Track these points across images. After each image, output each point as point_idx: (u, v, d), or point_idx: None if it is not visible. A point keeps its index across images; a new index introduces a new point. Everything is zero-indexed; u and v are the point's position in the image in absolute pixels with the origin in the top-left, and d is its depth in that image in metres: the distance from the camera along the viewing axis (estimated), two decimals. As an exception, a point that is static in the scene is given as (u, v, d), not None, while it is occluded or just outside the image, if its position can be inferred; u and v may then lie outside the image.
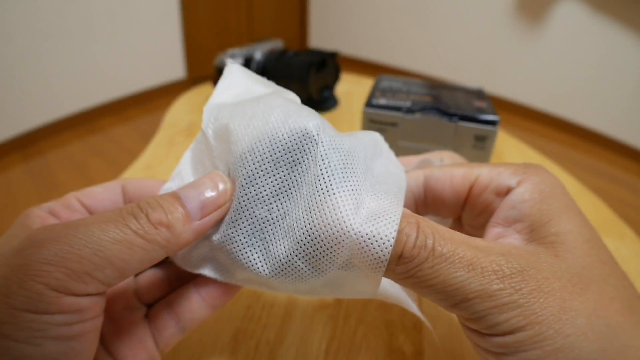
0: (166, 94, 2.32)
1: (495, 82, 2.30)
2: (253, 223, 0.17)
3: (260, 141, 0.17)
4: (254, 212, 0.17)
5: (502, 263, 0.15)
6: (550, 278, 0.14)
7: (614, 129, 1.93)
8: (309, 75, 0.60)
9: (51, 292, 0.13)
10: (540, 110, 2.18)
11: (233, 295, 0.21)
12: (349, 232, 0.15)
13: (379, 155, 0.20)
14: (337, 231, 0.15)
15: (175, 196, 0.17)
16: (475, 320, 0.15)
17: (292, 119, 0.17)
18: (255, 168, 0.17)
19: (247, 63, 0.65)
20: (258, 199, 0.17)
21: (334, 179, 0.16)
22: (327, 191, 0.16)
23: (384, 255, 0.15)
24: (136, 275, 0.21)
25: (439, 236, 0.15)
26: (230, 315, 0.28)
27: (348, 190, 0.16)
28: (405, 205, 0.20)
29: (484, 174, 0.18)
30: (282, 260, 0.17)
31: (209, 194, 0.17)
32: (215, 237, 0.18)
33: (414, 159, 0.23)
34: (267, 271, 0.18)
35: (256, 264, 0.18)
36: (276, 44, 0.70)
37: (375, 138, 0.21)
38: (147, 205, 0.16)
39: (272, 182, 0.17)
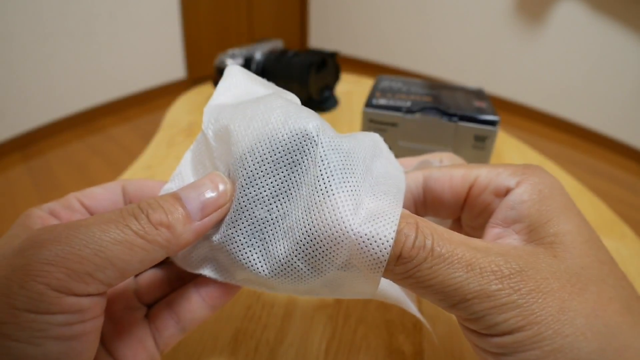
0: (166, 94, 2.32)
1: (495, 82, 2.30)
2: (253, 223, 0.18)
3: (260, 142, 0.17)
4: (253, 212, 0.17)
5: (501, 263, 0.15)
6: (549, 278, 0.14)
7: (613, 129, 1.93)
8: (309, 75, 0.60)
9: (52, 292, 0.13)
10: (540, 110, 2.18)
11: (233, 295, 0.21)
12: (348, 232, 0.15)
13: (379, 157, 0.20)
14: (336, 231, 0.16)
15: (175, 197, 0.17)
16: (474, 320, 0.15)
17: (292, 120, 0.17)
18: (255, 169, 0.17)
19: (247, 63, 0.65)
20: (258, 200, 0.17)
21: (334, 179, 0.16)
22: (327, 192, 0.16)
23: (382, 255, 0.15)
24: (136, 275, 0.21)
25: (438, 237, 0.15)
26: (230, 315, 0.28)
27: (347, 191, 0.16)
28: (405, 206, 0.20)
29: (482, 175, 0.18)
30: (282, 260, 0.17)
31: (210, 194, 0.17)
32: (215, 238, 0.18)
33: (413, 160, 0.23)
34: (266, 271, 0.18)
35: (256, 264, 0.18)
36: (276, 44, 0.70)
37: (375, 139, 0.21)
38: (148, 205, 0.16)
39: (272, 182, 0.17)
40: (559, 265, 0.15)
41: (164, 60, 2.33)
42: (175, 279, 0.21)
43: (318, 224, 0.16)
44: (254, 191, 0.17)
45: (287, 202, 0.17)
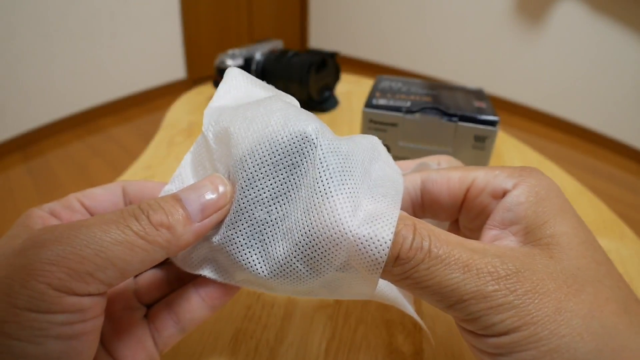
0: (166, 94, 2.32)
1: (495, 82, 2.30)
2: (252, 225, 0.18)
3: (260, 144, 0.17)
4: (253, 214, 0.18)
5: (498, 264, 0.15)
6: (545, 279, 0.15)
7: (613, 129, 1.93)
8: (309, 75, 0.60)
9: (53, 292, 0.13)
10: (540, 110, 2.18)
11: (232, 296, 0.21)
12: (346, 234, 0.16)
13: (377, 159, 0.20)
14: (335, 233, 0.16)
15: (176, 198, 0.17)
16: (471, 321, 0.15)
17: (292, 123, 0.17)
18: (255, 171, 0.17)
19: (247, 63, 0.65)
20: (257, 201, 0.17)
21: (332, 181, 0.17)
22: (326, 194, 0.16)
23: (381, 256, 0.15)
24: (136, 275, 0.21)
25: (435, 238, 0.15)
26: (230, 315, 0.28)
27: (346, 193, 0.16)
28: (403, 208, 0.20)
29: (480, 177, 0.19)
30: (281, 261, 0.17)
31: (210, 196, 0.17)
32: (215, 239, 0.18)
33: (411, 163, 0.23)
34: (265, 272, 0.18)
35: (255, 265, 0.18)
36: (276, 44, 0.70)
37: (373, 142, 0.21)
38: (148, 206, 0.16)
39: (271, 184, 0.17)
40: (556, 267, 0.15)
41: (164, 60, 2.33)
42: (175, 279, 0.21)
43: (317, 226, 0.16)
44: (254, 193, 0.17)
45: (287, 203, 0.17)
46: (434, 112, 0.38)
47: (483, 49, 2.30)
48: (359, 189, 0.17)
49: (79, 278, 0.14)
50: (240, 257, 0.18)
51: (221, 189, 0.18)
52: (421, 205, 0.20)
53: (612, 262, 0.16)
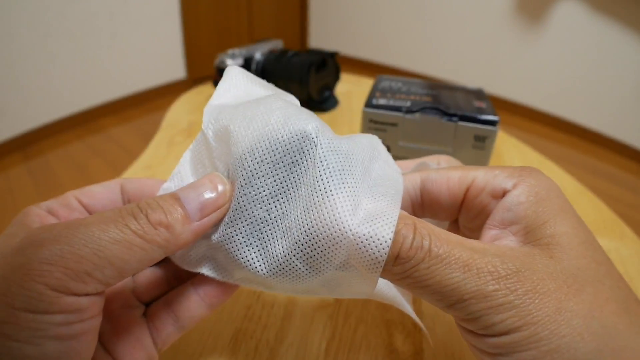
0: (166, 94, 2.32)
1: (495, 82, 2.30)
2: (252, 223, 0.18)
3: (260, 143, 0.17)
4: (252, 212, 0.18)
5: (498, 264, 0.15)
6: (545, 279, 0.15)
7: (613, 129, 1.93)
8: (309, 75, 0.60)
9: (51, 292, 0.13)
10: (540, 110, 2.18)
11: (231, 294, 0.21)
12: (346, 232, 0.16)
13: (377, 159, 0.20)
14: (335, 232, 0.16)
15: (174, 197, 0.17)
16: (471, 320, 0.15)
17: (292, 121, 0.17)
18: (255, 169, 0.17)
19: (247, 63, 0.65)
20: (257, 200, 0.17)
21: (332, 180, 0.17)
22: (326, 192, 0.16)
23: (381, 255, 0.15)
24: (134, 274, 0.21)
25: (435, 237, 0.15)
26: (230, 315, 0.28)
27: (346, 192, 0.16)
28: (402, 208, 0.20)
29: (480, 177, 0.19)
30: (280, 260, 0.17)
31: (209, 195, 0.17)
32: (214, 237, 0.18)
33: (410, 163, 0.23)
34: (265, 271, 0.18)
35: (254, 263, 0.18)
36: (276, 44, 0.70)
37: (373, 141, 0.21)
38: (147, 205, 0.16)
39: (271, 182, 0.17)
40: (556, 266, 0.15)
41: (164, 60, 2.33)
42: (173, 277, 0.21)
43: (317, 224, 0.16)
44: (254, 191, 0.17)
45: (286, 202, 0.17)
46: (434, 112, 0.38)
47: (483, 49, 2.30)
48: (359, 188, 0.17)
49: (76, 278, 0.14)
50: (239, 255, 0.18)
51: (220, 187, 0.18)
52: (421, 205, 0.20)
53: (612, 262, 0.16)
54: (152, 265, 0.21)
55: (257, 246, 0.18)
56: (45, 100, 1.84)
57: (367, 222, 0.16)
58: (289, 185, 0.17)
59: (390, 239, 0.15)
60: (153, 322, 0.20)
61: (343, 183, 0.17)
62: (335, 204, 0.16)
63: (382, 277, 0.16)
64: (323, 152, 0.17)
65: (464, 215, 0.20)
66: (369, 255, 0.16)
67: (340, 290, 0.19)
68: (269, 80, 0.24)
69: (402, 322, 0.28)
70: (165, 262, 0.21)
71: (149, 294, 0.21)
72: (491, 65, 2.31)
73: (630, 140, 1.88)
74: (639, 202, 1.60)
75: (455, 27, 2.38)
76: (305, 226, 0.17)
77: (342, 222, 0.16)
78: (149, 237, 0.15)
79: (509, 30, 2.17)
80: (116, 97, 2.14)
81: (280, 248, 0.17)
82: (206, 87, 0.76)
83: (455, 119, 0.37)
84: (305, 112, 0.18)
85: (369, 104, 0.39)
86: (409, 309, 0.23)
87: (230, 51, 0.66)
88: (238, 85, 0.22)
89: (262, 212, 0.18)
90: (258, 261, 0.18)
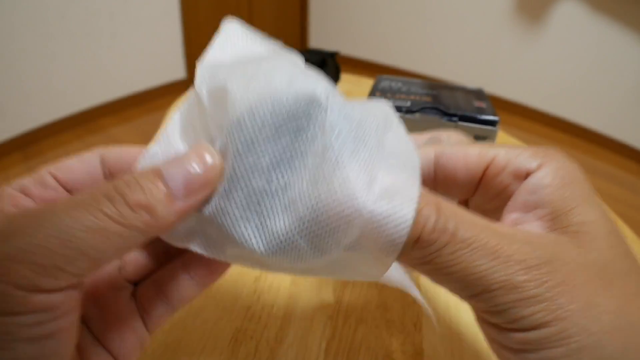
0: (166, 94, 2.32)
1: (495, 82, 2.30)
2: (249, 195, 0.16)
3: (261, 104, 0.15)
4: (250, 182, 0.16)
5: (528, 252, 0.14)
6: (576, 271, 0.13)
7: (613, 129, 1.93)
8: (309, 75, 0.60)
9: (18, 292, 0.12)
10: (539, 110, 2.18)
11: (222, 273, 0.19)
12: (360, 210, 0.14)
13: (390, 129, 0.18)
14: (347, 208, 0.14)
15: (156, 173, 0.15)
16: (497, 313, 0.14)
17: (299, 82, 0.15)
18: (254, 133, 0.15)
19: (247, 63, 0.65)
20: (256, 168, 0.16)
21: (345, 150, 0.15)
22: (337, 163, 0.14)
23: (399, 237, 0.14)
24: None
25: (461, 219, 0.14)
26: (230, 315, 0.28)
27: (360, 164, 0.15)
28: None
29: (501, 155, 0.17)
30: (281, 237, 0.16)
31: (195, 169, 0.15)
32: (206, 210, 0.16)
33: (422, 137, 0.22)
34: (262, 248, 0.16)
35: (250, 240, 0.16)
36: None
37: (385, 110, 0.19)
38: (124, 184, 0.14)
39: (272, 150, 0.16)
40: (586, 257, 0.14)
41: (164, 60, 2.33)
42: (163, 253, 0.20)
43: (326, 199, 0.14)
44: (252, 159, 0.16)
45: (290, 172, 0.16)
46: (434, 112, 0.38)
47: (483, 49, 2.30)
48: (375, 160, 0.15)
49: (45, 273, 0.12)
50: (233, 231, 0.16)
51: (209, 159, 0.15)
52: (433, 181, 0.19)
53: (635, 256, 0.15)
54: None
55: (254, 221, 0.16)
56: (45, 100, 1.84)
57: (384, 199, 0.14)
58: (293, 153, 0.16)
59: (411, 219, 0.13)
60: (142, 304, 0.19)
61: (356, 153, 0.15)
62: (348, 176, 0.14)
63: (397, 261, 0.15)
64: (334, 118, 0.15)
65: (480, 195, 0.18)
66: (386, 236, 0.14)
67: (345, 272, 0.18)
68: None
69: (402, 322, 0.28)
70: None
71: (137, 272, 0.19)
72: (491, 65, 2.31)
73: (630, 140, 1.88)
74: (638, 202, 1.60)
75: (455, 27, 2.38)
76: (312, 200, 0.15)
77: (355, 198, 0.14)
78: (127, 222, 0.13)
79: (509, 30, 2.17)
80: (116, 97, 2.14)
81: (281, 224, 0.16)
82: (206, 87, 0.76)
83: (455, 119, 0.37)
84: (314, 73, 0.17)
85: (369, 104, 0.39)
86: (417, 293, 0.21)
87: (230, 51, 0.66)
88: (237, 41, 0.20)
89: (262, 183, 0.16)
90: (255, 237, 0.16)
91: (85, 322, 0.17)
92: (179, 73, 2.43)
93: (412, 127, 0.38)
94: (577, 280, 0.13)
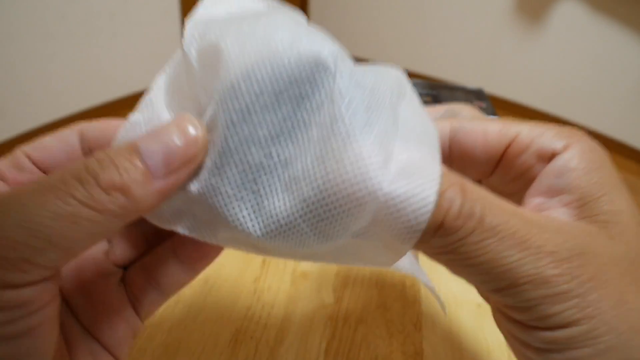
0: (166, 94, 2.33)
1: (495, 82, 2.30)
2: (244, 171, 0.14)
3: (258, 66, 0.13)
4: (246, 156, 0.14)
5: (560, 243, 0.12)
6: (607, 264, 0.12)
7: (613, 129, 1.93)
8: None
9: None
10: (539, 110, 2.18)
11: (214, 257, 0.18)
12: (375, 192, 0.12)
13: (403, 97, 0.17)
14: (360, 190, 0.12)
15: (132, 148, 0.13)
16: (522, 310, 0.13)
17: (303, 42, 0.14)
18: (251, 100, 0.14)
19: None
20: (252, 141, 0.14)
21: (357, 122, 0.13)
22: (348, 136, 0.13)
23: (418, 224, 0.12)
24: None
25: (488, 203, 0.12)
26: (230, 315, 0.28)
27: (374, 138, 0.13)
28: None
29: (524, 133, 0.16)
30: (281, 220, 0.14)
31: (176, 143, 0.13)
32: (194, 187, 0.14)
33: (438, 109, 0.20)
34: (259, 232, 0.14)
35: (246, 222, 0.14)
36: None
37: (398, 75, 0.17)
38: (97, 163, 0.13)
39: (271, 119, 0.14)
40: (617, 250, 0.13)
41: (164, 60, 2.30)
42: (152, 234, 0.18)
43: (335, 179, 0.13)
44: (248, 129, 0.14)
45: (291, 146, 0.14)
46: (434, 112, 0.38)
47: (483, 49, 2.30)
48: (390, 133, 0.13)
49: (13, 267, 0.11)
50: (226, 212, 0.14)
51: (191, 131, 0.14)
52: (448, 158, 0.17)
53: None
54: None
55: (250, 201, 0.14)
56: (45, 100, 1.84)
57: (402, 179, 0.12)
58: (296, 124, 0.14)
59: (433, 202, 0.12)
60: (132, 290, 0.17)
61: (370, 126, 0.13)
62: (361, 152, 0.12)
63: (415, 249, 0.13)
64: (343, 85, 0.13)
65: (499, 176, 0.17)
66: (403, 222, 0.12)
67: (351, 259, 0.16)
68: None
69: (402, 323, 0.28)
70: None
71: (125, 255, 0.18)
72: (491, 65, 2.31)
73: (631, 140, 1.88)
74: (639, 202, 1.60)
75: (455, 26, 2.38)
76: (318, 180, 0.13)
77: (369, 178, 0.12)
78: (100, 206, 0.12)
79: (509, 30, 2.17)
80: (116, 97, 2.14)
81: (281, 205, 0.14)
82: (206, 87, 0.76)
83: (455, 119, 0.37)
84: (319, 32, 0.15)
85: (369, 104, 0.39)
86: (426, 278, 0.20)
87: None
88: None
89: (259, 157, 0.14)
90: (251, 220, 0.14)
91: (72, 312, 0.17)
92: (179, 73, 2.43)
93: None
94: (608, 274, 0.12)
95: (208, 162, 0.14)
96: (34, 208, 0.12)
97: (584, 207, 0.14)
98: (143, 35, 2.16)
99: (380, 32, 2.76)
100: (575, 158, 0.14)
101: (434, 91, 0.42)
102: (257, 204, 0.14)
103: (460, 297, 0.30)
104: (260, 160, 0.14)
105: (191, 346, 0.26)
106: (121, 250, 0.18)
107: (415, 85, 0.44)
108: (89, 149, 0.17)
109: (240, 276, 0.31)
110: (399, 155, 0.13)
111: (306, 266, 0.32)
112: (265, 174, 0.14)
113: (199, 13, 0.17)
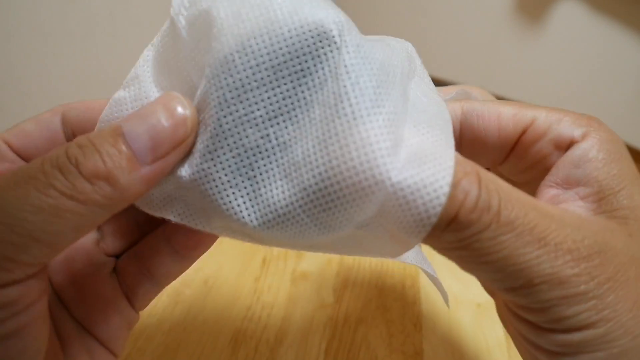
0: (166, 94, 2.33)
1: (495, 81, 2.30)
2: (239, 155, 0.13)
3: (255, 38, 0.12)
4: (241, 139, 0.13)
5: (579, 240, 0.12)
6: (626, 264, 0.12)
7: (614, 129, 1.93)
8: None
9: None
10: (540, 110, 2.18)
11: (209, 245, 0.17)
12: (383, 181, 0.11)
13: (413, 74, 0.15)
14: (366, 179, 0.11)
15: (116, 132, 0.12)
16: (536, 311, 0.12)
17: (304, 10, 0.12)
18: (247, 76, 0.12)
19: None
20: (248, 121, 0.13)
21: (364, 101, 0.11)
22: (354, 118, 0.11)
23: (429, 217, 0.11)
24: None
25: (506, 195, 0.11)
26: (230, 316, 0.28)
27: (384, 120, 0.11)
28: None
29: (541, 118, 0.15)
30: (279, 210, 0.13)
31: (163, 125, 0.12)
32: (185, 173, 0.13)
33: (448, 89, 0.19)
34: (255, 222, 0.13)
35: (241, 211, 0.13)
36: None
37: (408, 50, 0.16)
38: (78, 150, 0.12)
39: (269, 98, 0.12)
40: (635, 248, 0.12)
41: (164, 60, 2.33)
42: (144, 220, 0.17)
43: (339, 166, 0.11)
44: (243, 108, 0.12)
45: (291, 127, 0.13)
46: (434, 112, 0.37)
47: (483, 49, 2.30)
48: (400, 115, 0.12)
49: None
50: (220, 200, 0.13)
51: (179, 110, 0.13)
52: (459, 143, 0.16)
53: None
54: None
55: (245, 188, 0.13)
56: (45, 100, 1.84)
57: (412, 167, 0.11)
58: (296, 102, 0.13)
59: (446, 193, 0.11)
60: (125, 281, 0.17)
61: (379, 107, 0.12)
62: (368, 137, 0.11)
63: (424, 243, 0.12)
64: (350, 59, 0.12)
65: (512, 163, 0.16)
66: (412, 215, 0.11)
67: (353, 249, 0.15)
68: None
69: (402, 323, 0.28)
70: None
71: (117, 244, 0.17)
72: (491, 65, 2.31)
73: (631, 140, 1.89)
74: (639, 202, 1.60)
75: (455, 26, 2.37)
76: (320, 166, 0.12)
77: (377, 165, 0.11)
78: (83, 197, 0.11)
79: (509, 30, 2.17)
80: (116, 97, 2.15)
81: (279, 193, 0.13)
82: (206, 87, 0.76)
83: (455, 119, 0.37)
84: (323, 0, 0.13)
85: (369, 104, 0.39)
86: (431, 269, 0.19)
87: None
88: None
89: (255, 139, 0.13)
90: (247, 209, 0.13)
91: (64, 305, 0.16)
92: (179, 73, 2.43)
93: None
94: (627, 274, 0.12)
95: (200, 145, 0.13)
96: (13, 202, 0.11)
97: (603, 201, 0.13)
98: (143, 35, 2.16)
99: (379, 32, 2.75)
100: (595, 148, 0.14)
101: (434, 91, 0.42)
102: (254, 191, 0.13)
103: (460, 297, 0.30)
104: (257, 143, 0.13)
105: (191, 346, 0.26)
106: (112, 239, 0.17)
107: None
108: (72, 132, 0.16)
109: (240, 276, 0.31)
110: (409, 139, 0.12)
111: (306, 266, 0.32)
112: (263, 158, 0.13)
113: None
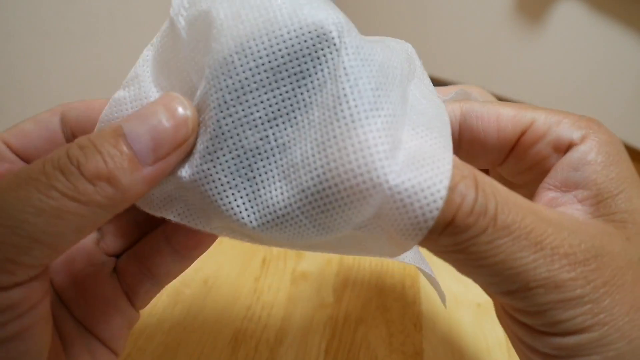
0: (166, 94, 2.33)
1: (495, 82, 2.30)
2: (239, 156, 0.13)
3: (254, 39, 0.12)
4: (240, 140, 0.13)
5: (575, 244, 0.12)
6: (623, 268, 0.12)
7: (614, 129, 1.92)
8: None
9: None
10: (540, 110, 2.18)
11: (209, 244, 0.17)
12: (381, 184, 0.11)
13: (412, 76, 0.15)
14: (364, 182, 0.11)
15: (117, 133, 0.12)
16: (532, 314, 0.12)
17: (304, 12, 0.12)
18: (246, 77, 0.12)
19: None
20: (247, 123, 0.13)
21: (363, 103, 0.12)
22: (353, 121, 0.11)
23: (426, 221, 0.11)
24: None
25: (503, 199, 0.11)
26: (230, 316, 0.28)
27: (382, 123, 0.12)
28: None
29: (540, 120, 0.15)
30: (277, 211, 0.13)
31: (164, 125, 0.12)
32: (184, 173, 0.13)
33: (447, 90, 0.19)
34: (254, 222, 0.13)
35: (240, 212, 0.13)
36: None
37: (408, 51, 0.16)
38: (79, 150, 0.12)
39: (268, 99, 0.13)
40: (633, 252, 0.12)
41: (164, 60, 2.33)
42: (144, 220, 0.17)
43: (337, 168, 0.11)
44: (242, 110, 0.13)
45: (290, 129, 0.13)
46: (434, 112, 0.37)
47: (483, 49, 2.30)
48: (399, 117, 0.12)
49: None
50: (219, 200, 0.13)
51: (180, 111, 0.13)
52: (457, 144, 0.16)
53: None
54: None
55: (244, 189, 0.13)
56: (45, 100, 1.84)
57: (410, 170, 0.11)
58: (295, 104, 0.13)
59: (443, 197, 0.11)
60: (125, 280, 0.17)
61: (378, 109, 0.12)
62: (367, 139, 0.11)
63: (421, 246, 0.12)
64: (349, 61, 0.12)
65: (510, 165, 0.16)
66: (409, 218, 0.11)
67: (351, 249, 0.15)
68: None
69: (402, 323, 0.28)
70: None
71: (117, 244, 0.17)
72: (491, 65, 2.31)
73: (631, 140, 1.89)
74: None
75: (454, 26, 2.38)
76: (319, 168, 0.12)
77: (375, 168, 0.11)
78: (85, 198, 0.11)
79: (509, 30, 2.17)
80: (116, 97, 2.15)
81: (278, 194, 0.13)
82: (206, 87, 0.76)
83: (455, 119, 0.37)
84: (323, 1, 0.13)
85: (369, 104, 0.38)
86: (429, 269, 0.19)
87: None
88: None
89: (254, 141, 0.13)
90: (246, 209, 0.13)
91: (65, 305, 0.16)
92: (179, 73, 2.43)
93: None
94: (623, 279, 0.12)
95: (200, 146, 0.13)
96: (15, 204, 0.11)
97: (601, 204, 0.13)
98: (143, 35, 2.16)
99: (379, 32, 2.75)
100: (593, 150, 0.14)
101: (434, 91, 0.42)
102: (253, 192, 0.13)
103: (460, 297, 0.30)
104: (256, 145, 0.13)
105: (191, 346, 0.26)
106: (112, 239, 0.17)
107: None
108: (71, 132, 0.16)
109: (240, 276, 0.31)
110: (407, 142, 0.12)
111: (306, 266, 0.32)
112: (262, 159, 0.13)
113: None
